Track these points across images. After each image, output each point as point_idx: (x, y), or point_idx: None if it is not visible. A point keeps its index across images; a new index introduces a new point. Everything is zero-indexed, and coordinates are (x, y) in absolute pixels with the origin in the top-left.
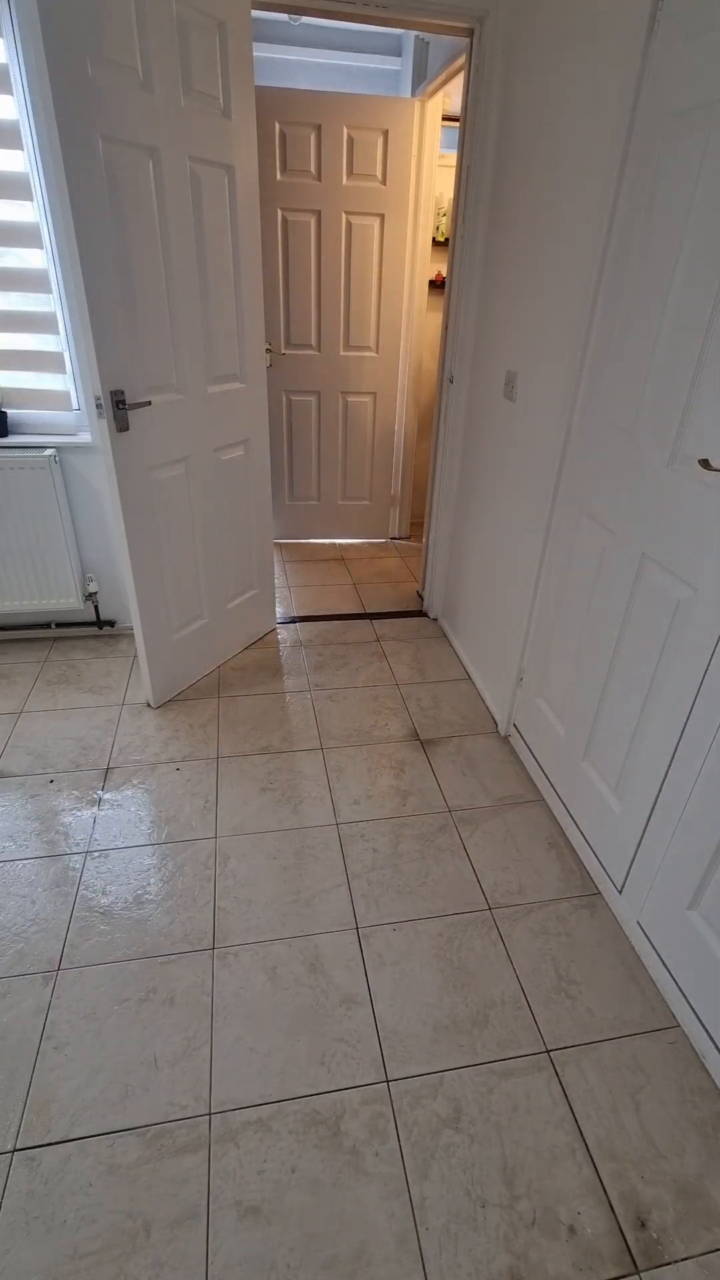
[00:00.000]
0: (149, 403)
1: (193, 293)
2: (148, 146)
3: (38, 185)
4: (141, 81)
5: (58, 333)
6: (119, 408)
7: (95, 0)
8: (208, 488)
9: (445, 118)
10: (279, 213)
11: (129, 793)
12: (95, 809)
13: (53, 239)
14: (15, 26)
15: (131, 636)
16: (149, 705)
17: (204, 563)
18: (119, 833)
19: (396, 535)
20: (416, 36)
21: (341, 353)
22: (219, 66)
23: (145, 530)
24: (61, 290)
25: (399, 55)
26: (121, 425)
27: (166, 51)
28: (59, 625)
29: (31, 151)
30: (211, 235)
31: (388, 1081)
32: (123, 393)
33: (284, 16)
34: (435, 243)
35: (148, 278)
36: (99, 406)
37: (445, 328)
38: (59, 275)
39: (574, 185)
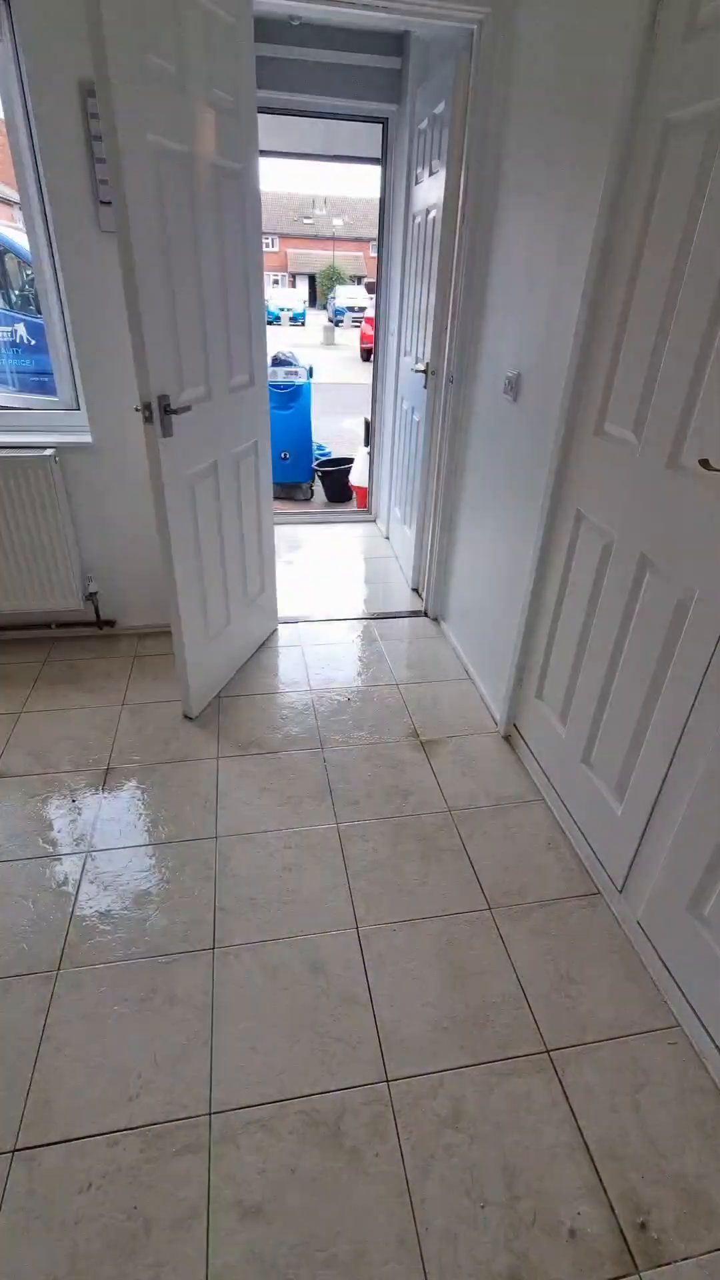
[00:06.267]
0: (189, 408)
1: (216, 296)
2: (183, 150)
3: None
4: (177, 82)
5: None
6: (165, 412)
7: None
8: (228, 490)
9: None
10: None
11: (129, 793)
12: (95, 809)
13: (53, 241)
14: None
15: (132, 637)
16: (187, 717)
17: (228, 566)
18: (119, 833)
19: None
20: (417, 37)
21: None
22: (232, 67)
23: (186, 538)
24: (61, 291)
25: (399, 55)
26: (166, 431)
27: (196, 50)
28: (59, 625)
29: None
30: (230, 237)
31: (388, 1081)
32: (168, 397)
33: (284, 15)
34: None
35: (185, 282)
36: (142, 412)
37: (445, 328)
38: (59, 278)
39: (574, 184)
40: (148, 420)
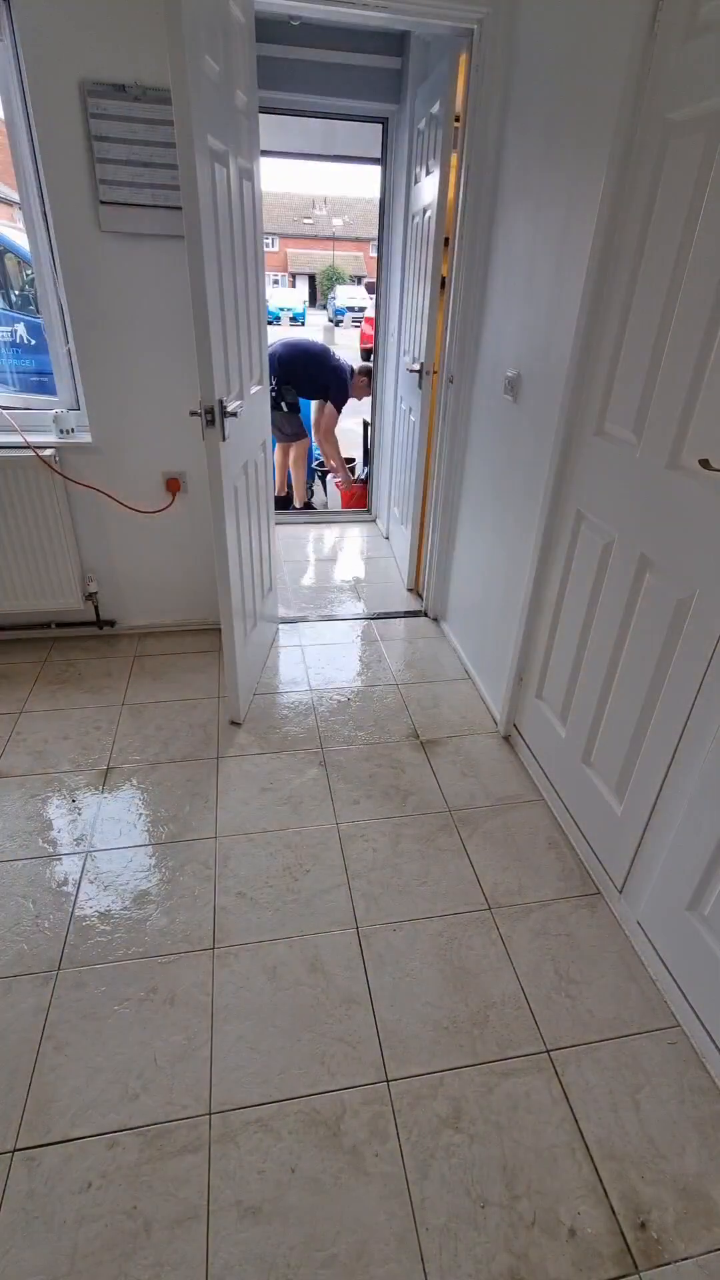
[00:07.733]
0: (238, 410)
1: (242, 296)
2: (223, 150)
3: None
4: (219, 81)
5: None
6: (223, 415)
7: None
8: (247, 489)
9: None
10: None
11: (129, 793)
12: (95, 809)
13: (53, 241)
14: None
15: (132, 636)
16: (233, 723)
17: (253, 567)
18: (119, 833)
19: None
20: (417, 37)
21: None
22: (242, 65)
23: (233, 541)
24: (61, 291)
25: (399, 55)
26: (224, 434)
27: (228, 48)
28: (59, 625)
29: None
30: (248, 239)
31: (388, 1081)
32: (224, 400)
33: (284, 15)
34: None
35: (226, 284)
36: (203, 416)
37: (446, 328)
38: (59, 278)
39: (574, 184)
40: (209, 424)
